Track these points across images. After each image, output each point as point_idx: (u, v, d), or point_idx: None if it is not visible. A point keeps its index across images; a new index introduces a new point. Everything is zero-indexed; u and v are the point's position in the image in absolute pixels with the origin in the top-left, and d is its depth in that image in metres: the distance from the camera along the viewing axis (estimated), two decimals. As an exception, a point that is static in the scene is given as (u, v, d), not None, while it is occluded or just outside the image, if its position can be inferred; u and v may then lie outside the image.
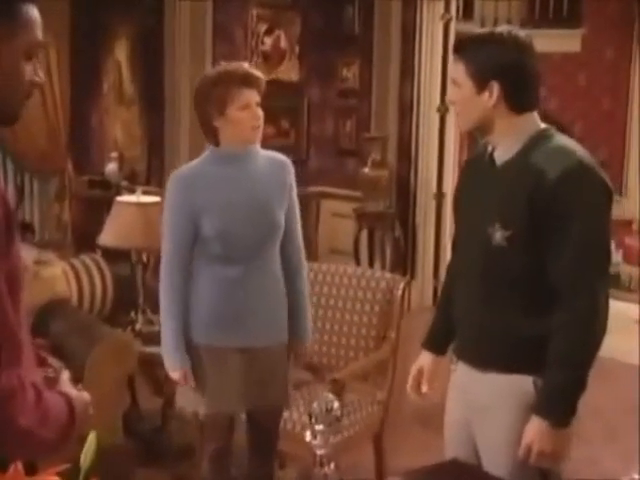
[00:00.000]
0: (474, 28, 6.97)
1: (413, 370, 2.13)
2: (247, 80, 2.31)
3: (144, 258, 3.58)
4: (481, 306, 1.88)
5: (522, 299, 1.82)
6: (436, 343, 2.13)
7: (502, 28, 1.86)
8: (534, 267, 1.80)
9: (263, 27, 6.17)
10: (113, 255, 3.88)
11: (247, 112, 2.31)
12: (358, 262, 5.93)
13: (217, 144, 2.37)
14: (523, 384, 1.82)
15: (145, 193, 3.81)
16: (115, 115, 6.42)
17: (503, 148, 1.85)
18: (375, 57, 6.04)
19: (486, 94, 1.79)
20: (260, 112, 2.33)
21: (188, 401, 2.45)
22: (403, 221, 5.90)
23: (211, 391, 2.39)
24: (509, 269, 1.81)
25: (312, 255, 6.28)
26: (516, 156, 1.83)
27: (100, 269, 3.88)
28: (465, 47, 1.83)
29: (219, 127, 2.34)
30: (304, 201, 6.26)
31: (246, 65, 2.37)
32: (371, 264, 5.96)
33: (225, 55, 5.85)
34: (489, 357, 1.88)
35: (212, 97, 2.32)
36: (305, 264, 2.57)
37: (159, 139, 6.00)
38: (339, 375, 2.88)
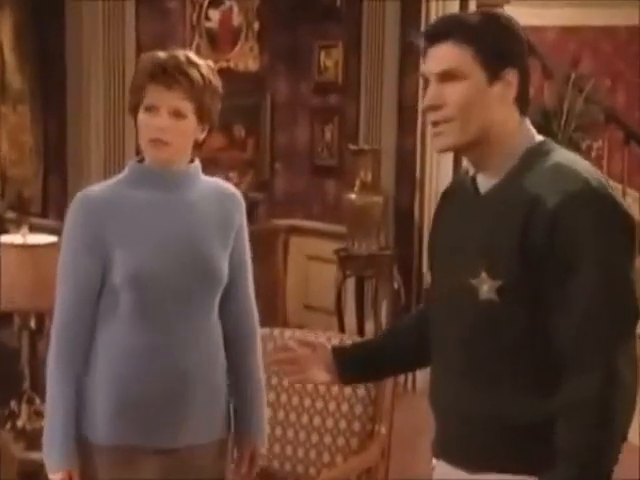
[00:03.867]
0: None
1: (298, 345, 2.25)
2: (157, 74, 2.34)
3: (32, 323, 3.58)
4: (465, 384, 1.93)
5: (521, 372, 1.87)
6: (344, 358, 2.23)
7: (498, 10, 2.05)
8: (536, 328, 1.85)
9: (208, -5, 6.29)
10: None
11: (147, 117, 2.36)
12: (342, 324, 5.95)
13: (142, 159, 2.45)
14: None
15: (36, 230, 3.82)
16: (-4, 118, 6.44)
17: (490, 169, 1.93)
18: (365, 39, 6.13)
19: (499, 86, 1.89)
20: (164, 122, 2.34)
21: None
22: (404, 267, 5.95)
23: None
24: (503, 331, 1.87)
25: (279, 314, 6.30)
26: (505, 180, 1.91)
27: (-31, 338, 3.87)
28: (463, 26, 1.92)
29: None
30: (267, 239, 6.33)
31: (170, 53, 2.40)
32: (360, 326, 5.98)
33: (155, 35, 5.93)
34: (477, 453, 1.93)
35: (130, 93, 2.44)
36: (258, 331, 2.59)
37: (59, 151, 6.01)
38: (308, 488, 2.92)
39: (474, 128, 1.90)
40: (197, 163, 2.47)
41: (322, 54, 6.41)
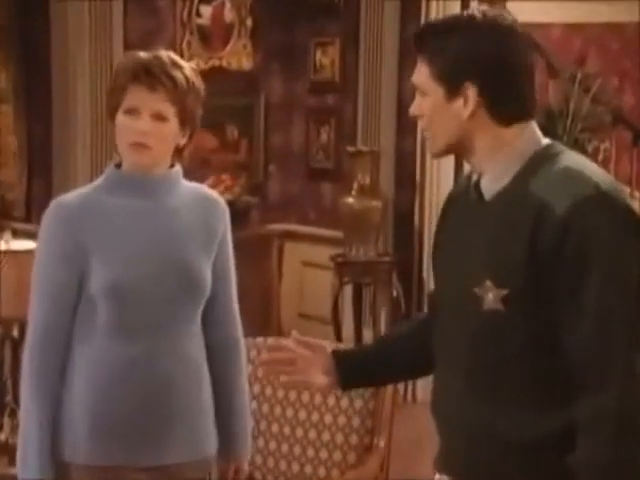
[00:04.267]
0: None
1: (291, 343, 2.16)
2: (139, 74, 2.34)
3: (15, 332, 3.57)
4: (467, 395, 1.93)
5: (524, 385, 1.87)
6: (345, 361, 2.18)
7: (475, 9, 1.97)
8: (541, 338, 1.84)
9: (199, -9, 6.28)
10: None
11: (128, 119, 2.35)
12: (339, 333, 5.95)
13: (120, 163, 2.44)
14: None
15: (19, 235, 3.81)
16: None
17: (492, 175, 1.93)
18: (363, 36, 6.13)
19: (460, 101, 1.90)
20: (146, 125, 2.33)
21: None
22: (404, 273, 5.94)
23: None
24: (508, 342, 1.87)
25: (273, 322, 6.28)
26: (510, 185, 1.91)
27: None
28: (427, 40, 1.94)
29: None
30: (261, 244, 6.32)
31: (153, 53, 2.39)
32: (358, 336, 5.97)
33: (144, 32, 5.93)
34: (481, 469, 1.93)
35: (108, 94, 2.44)
36: (242, 341, 2.59)
37: (44, 154, 6.01)
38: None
39: (442, 140, 1.96)
40: (178, 168, 2.46)
41: (318, 52, 6.40)
